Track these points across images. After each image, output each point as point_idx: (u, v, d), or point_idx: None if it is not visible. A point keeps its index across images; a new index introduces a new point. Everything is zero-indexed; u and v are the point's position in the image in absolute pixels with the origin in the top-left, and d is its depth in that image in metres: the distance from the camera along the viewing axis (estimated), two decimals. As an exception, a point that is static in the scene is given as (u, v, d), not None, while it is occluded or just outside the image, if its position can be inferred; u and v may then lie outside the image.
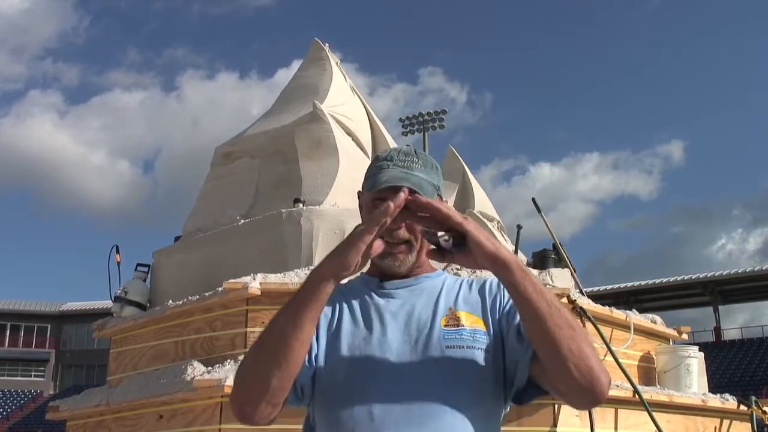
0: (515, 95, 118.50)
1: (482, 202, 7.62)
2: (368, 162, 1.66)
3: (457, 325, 1.46)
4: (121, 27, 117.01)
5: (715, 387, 6.12)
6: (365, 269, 1.61)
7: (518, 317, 1.42)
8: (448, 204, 1.37)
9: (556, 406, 4.01)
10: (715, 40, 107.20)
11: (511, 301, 1.47)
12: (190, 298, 4.65)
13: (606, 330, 4.88)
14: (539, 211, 6.44)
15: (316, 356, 1.45)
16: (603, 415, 4.28)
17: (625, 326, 5.25)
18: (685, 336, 6.11)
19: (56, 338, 50.19)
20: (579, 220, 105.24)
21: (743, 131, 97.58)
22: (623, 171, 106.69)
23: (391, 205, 1.31)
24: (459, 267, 4.66)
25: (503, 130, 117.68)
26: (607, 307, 5.28)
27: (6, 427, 42.38)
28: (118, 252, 5.76)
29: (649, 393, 4.62)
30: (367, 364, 1.42)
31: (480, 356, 1.43)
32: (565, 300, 4.57)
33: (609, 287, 39.42)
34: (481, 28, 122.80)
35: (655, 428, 4.40)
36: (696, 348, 5.55)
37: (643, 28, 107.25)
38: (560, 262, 5.90)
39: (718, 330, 40.36)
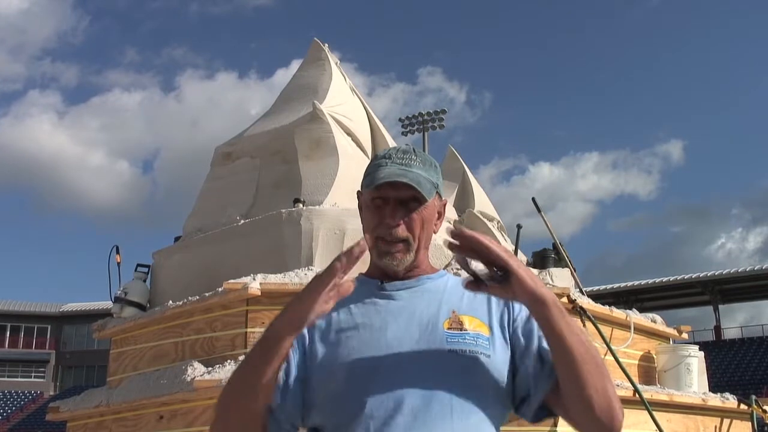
0: (514, 95, 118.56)
1: (482, 202, 7.61)
2: (368, 162, 1.65)
3: (460, 329, 1.44)
4: (119, 27, 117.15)
5: (715, 386, 6.12)
6: (364, 270, 1.60)
7: (536, 340, 1.44)
8: (491, 239, 1.35)
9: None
10: (715, 40, 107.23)
11: (524, 317, 1.48)
12: (190, 298, 4.65)
13: (606, 329, 4.87)
14: (539, 210, 6.44)
15: (305, 377, 1.45)
16: (603, 414, 4.27)
17: (625, 326, 5.25)
18: (685, 335, 6.11)
19: (56, 339, 50.20)
20: (578, 219, 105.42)
21: (742, 130, 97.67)
22: (623, 170, 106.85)
23: (343, 259, 1.29)
24: (459, 267, 4.65)
25: (502, 130, 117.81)
26: (607, 307, 5.27)
27: (6, 428, 42.37)
28: (118, 252, 5.76)
29: (649, 392, 4.62)
30: (369, 368, 1.40)
31: (482, 361, 1.42)
32: (565, 300, 4.57)
33: (609, 287, 39.42)
34: (481, 27, 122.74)
35: (655, 427, 4.41)
36: (696, 347, 5.54)
37: (642, 28, 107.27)
38: (560, 262, 5.90)
39: (718, 329, 40.37)
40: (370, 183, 1.50)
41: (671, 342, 5.91)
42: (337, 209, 5.22)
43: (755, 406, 5.31)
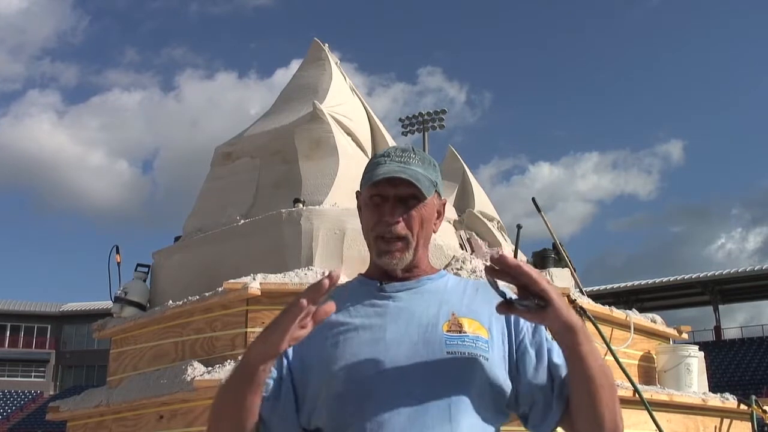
0: (514, 95, 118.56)
1: (482, 202, 7.60)
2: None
3: (459, 331, 1.43)
4: (119, 27, 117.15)
5: (715, 386, 6.12)
6: (363, 270, 1.60)
7: (546, 353, 1.47)
8: (534, 269, 1.35)
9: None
10: (715, 40, 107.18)
11: (530, 324, 1.49)
12: (190, 298, 4.65)
13: (606, 329, 4.87)
14: (539, 210, 6.43)
15: (300, 381, 1.45)
16: (603, 414, 4.27)
17: (625, 326, 5.25)
18: (685, 335, 6.10)
19: (56, 339, 50.22)
20: (578, 219, 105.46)
21: (742, 130, 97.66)
22: (622, 170, 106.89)
23: (310, 294, 1.27)
24: (459, 267, 4.65)
25: (502, 130, 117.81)
26: (607, 307, 5.27)
27: (6, 427, 42.38)
28: (118, 252, 5.76)
29: (649, 392, 4.62)
30: (368, 370, 1.40)
31: (481, 364, 1.41)
32: (564, 299, 4.56)
33: (609, 287, 39.43)
34: (481, 27, 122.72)
35: (655, 428, 4.40)
36: (696, 347, 5.54)
37: (642, 28, 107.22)
38: (560, 262, 5.90)
39: (718, 329, 40.38)
40: (368, 180, 1.49)
41: (671, 342, 5.90)
42: (337, 209, 5.21)
43: (755, 407, 5.30)
